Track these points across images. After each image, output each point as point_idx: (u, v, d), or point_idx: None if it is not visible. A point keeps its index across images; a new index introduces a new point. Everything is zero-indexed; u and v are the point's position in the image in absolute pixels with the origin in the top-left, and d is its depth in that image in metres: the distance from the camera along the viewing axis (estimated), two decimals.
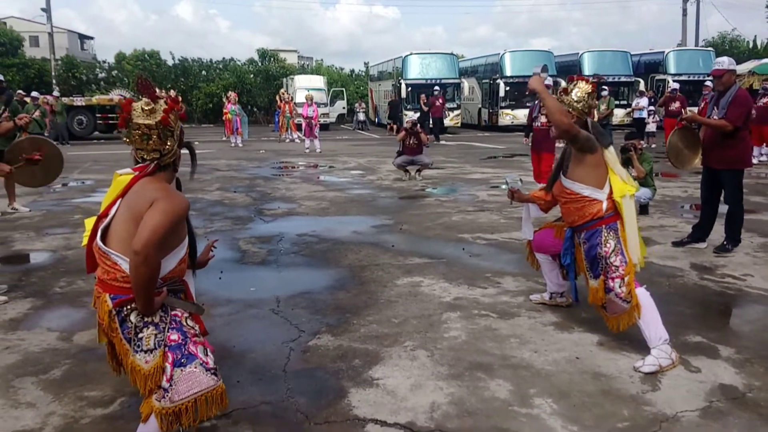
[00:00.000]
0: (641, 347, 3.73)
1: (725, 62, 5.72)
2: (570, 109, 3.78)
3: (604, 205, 3.72)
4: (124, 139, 2.60)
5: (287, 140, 23.01)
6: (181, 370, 2.40)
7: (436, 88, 24.76)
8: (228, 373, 3.47)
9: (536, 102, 9.57)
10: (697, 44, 35.12)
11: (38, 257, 6.28)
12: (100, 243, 2.48)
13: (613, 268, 3.65)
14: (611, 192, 3.71)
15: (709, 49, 31.36)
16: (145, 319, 2.44)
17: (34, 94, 16.56)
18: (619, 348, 3.77)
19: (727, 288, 4.98)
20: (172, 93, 24.20)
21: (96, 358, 3.70)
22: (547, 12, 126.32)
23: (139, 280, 2.32)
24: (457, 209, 8.69)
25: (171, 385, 2.38)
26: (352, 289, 5.04)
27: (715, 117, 5.73)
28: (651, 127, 18.59)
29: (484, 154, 17.45)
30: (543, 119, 8.97)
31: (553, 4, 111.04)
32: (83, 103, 24.83)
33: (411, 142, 11.72)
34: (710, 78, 5.92)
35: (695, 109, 13.84)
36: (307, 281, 5.31)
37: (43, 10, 35.26)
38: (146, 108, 2.51)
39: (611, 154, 3.79)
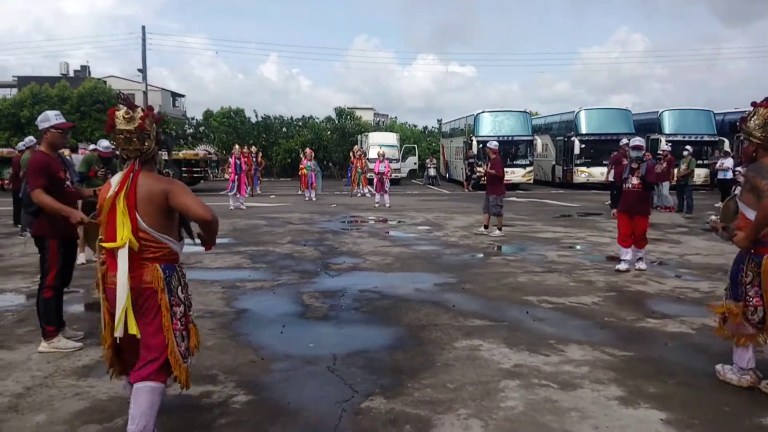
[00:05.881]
0: (711, 426, 3.50)
1: None
2: (750, 137, 3.87)
3: None
4: (111, 141, 3.22)
5: (358, 194, 23.54)
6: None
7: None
8: (281, 431, 3.51)
9: (627, 162, 8.92)
10: None
11: None
12: (154, 232, 3.12)
13: (748, 297, 3.91)
14: None
15: None
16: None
17: None
18: (689, 426, 3.53)
19: None
20: (254, 149, 25.30)
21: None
22: (628, 69, 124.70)
23: (215, 232, 3.25)
24: (524, 269, 8.53)
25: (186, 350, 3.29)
26: (409, 349, 5.00)
27: None
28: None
29: (556, 212, 17.11)
30: (635, 181, 8.31)
31: (633, 62, 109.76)
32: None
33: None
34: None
35: None
36: (365, 339, 5.32)
37: (139, 70, 38.32)
38: (126, 116, 3.15)
39: None
